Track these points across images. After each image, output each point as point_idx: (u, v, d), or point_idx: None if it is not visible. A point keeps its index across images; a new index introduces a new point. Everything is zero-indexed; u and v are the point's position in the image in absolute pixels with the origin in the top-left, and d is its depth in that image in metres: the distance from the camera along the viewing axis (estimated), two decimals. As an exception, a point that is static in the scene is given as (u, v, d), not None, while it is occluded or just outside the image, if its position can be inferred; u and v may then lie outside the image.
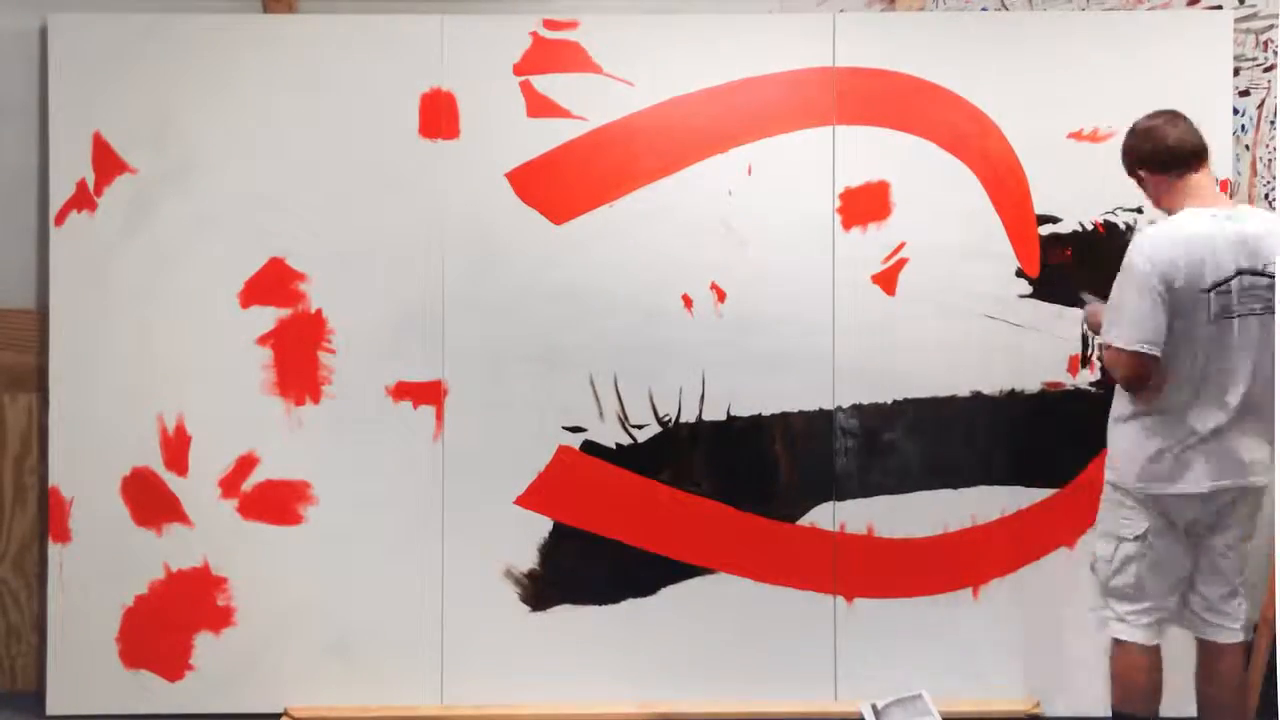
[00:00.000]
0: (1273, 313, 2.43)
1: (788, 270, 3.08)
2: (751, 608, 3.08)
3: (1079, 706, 3.09)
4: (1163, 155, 2.54)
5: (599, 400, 3.08)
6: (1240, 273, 2.42)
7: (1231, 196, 3.08)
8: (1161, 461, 2.49)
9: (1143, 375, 2.44)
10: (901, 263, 3.08)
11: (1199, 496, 2.48)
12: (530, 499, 3.08)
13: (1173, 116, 2.57)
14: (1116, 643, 2.60)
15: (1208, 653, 2.64)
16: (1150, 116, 2.60)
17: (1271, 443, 2.50)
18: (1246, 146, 3.21)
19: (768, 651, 3.08)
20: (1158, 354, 2.41)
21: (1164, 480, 2.49)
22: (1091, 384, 3.08)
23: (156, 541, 3.07)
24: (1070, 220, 3.08)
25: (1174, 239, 2.43)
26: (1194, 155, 2.52)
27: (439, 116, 3.07)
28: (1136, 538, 2.53)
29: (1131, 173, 2.64)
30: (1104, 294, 2.60)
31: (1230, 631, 2.61)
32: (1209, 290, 2.41)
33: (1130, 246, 2.50)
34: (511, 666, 3.07)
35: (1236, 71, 3.15)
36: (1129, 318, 2.43)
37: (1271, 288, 2.43)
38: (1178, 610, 2.62)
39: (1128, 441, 2.54)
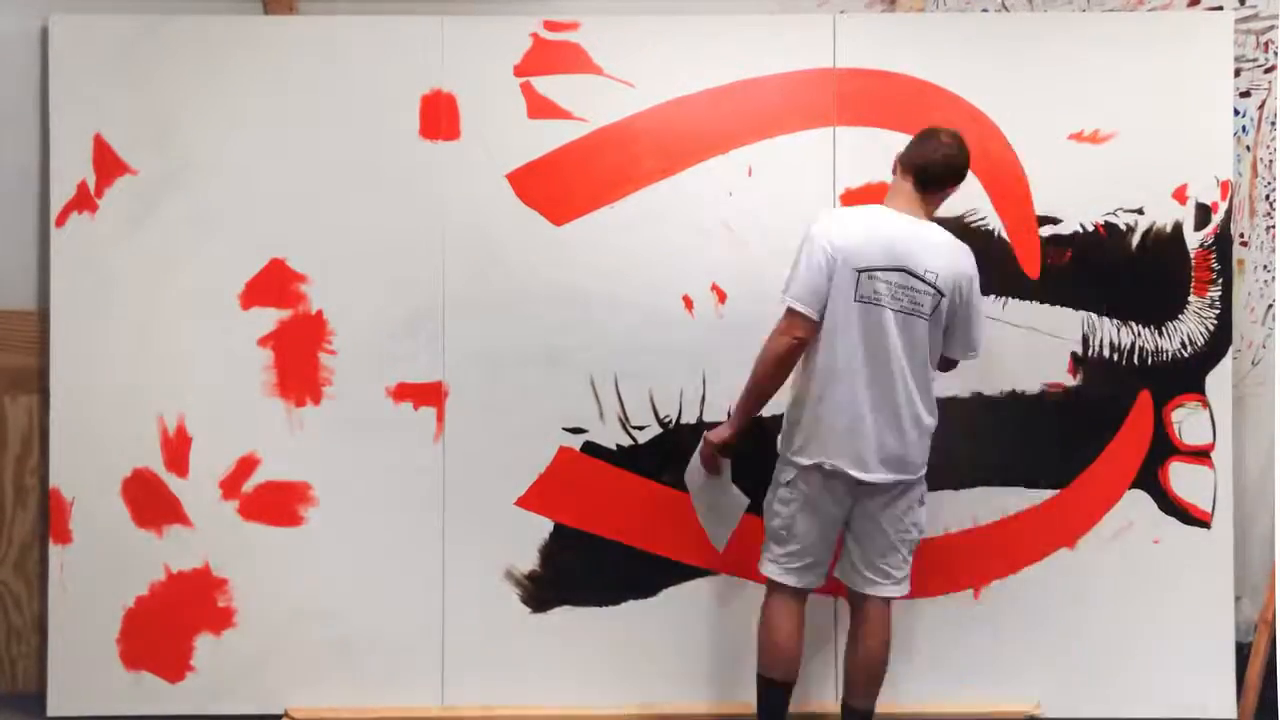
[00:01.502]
0: (923, 317, 2.56)
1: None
2: (752, 609, 3.06)
3: (1079, 708, 3.09)
4: (906, 156, 2.67)
5: (600, 401, 3.08)
6: (900, 269, 2.55)
7: (1232, 196, 3.09)
8: (803, 435, 2.63)
9: (799, 333, 2.59)
10: (902, 264, 3.08)
11: (836, 475, 2.60)
12: (531, 500, 3.08)
13: (949, 137, 2.65)
14: (768, 589, 2.73)
15: (856, 612, 2.75)
16: (936, 129, 2.69)
17: (920, 443, 2.63)
18: (1248, 147, 3.21)
19: (768, 652, 3.08)
20: (813, 316, 2.57)
21: (803, 454, 2.63)
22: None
23: (157, 543, 3.07)
24: (1071, 221, 3.08)
25: (849, 219, 2.63)
26: (921, 171, 2.63)
27: (439, 118, 3.07)
28: (788, 483, 2.67)
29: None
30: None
31: (879, 586, 2.69)
32: (861, 271, 2.55)
33: (812, 221, 2.65)
34: (512, 668, 3.07)
35: (1237, 72, 3.15)
36: (798, 279, 2.59)
37: (929, 294, 2.56)
38: (844, 565, 2.75)
39: (788, 411, 2.70)
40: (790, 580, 2.69)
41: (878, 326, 2.56)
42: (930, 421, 2.64)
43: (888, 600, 2.71)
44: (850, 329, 2.56)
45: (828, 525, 2.67)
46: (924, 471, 2.68)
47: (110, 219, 3.07)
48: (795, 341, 2.59)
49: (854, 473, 2.58)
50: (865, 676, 2.72)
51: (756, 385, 2.67)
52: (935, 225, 2.65)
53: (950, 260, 2.59)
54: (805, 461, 2.63)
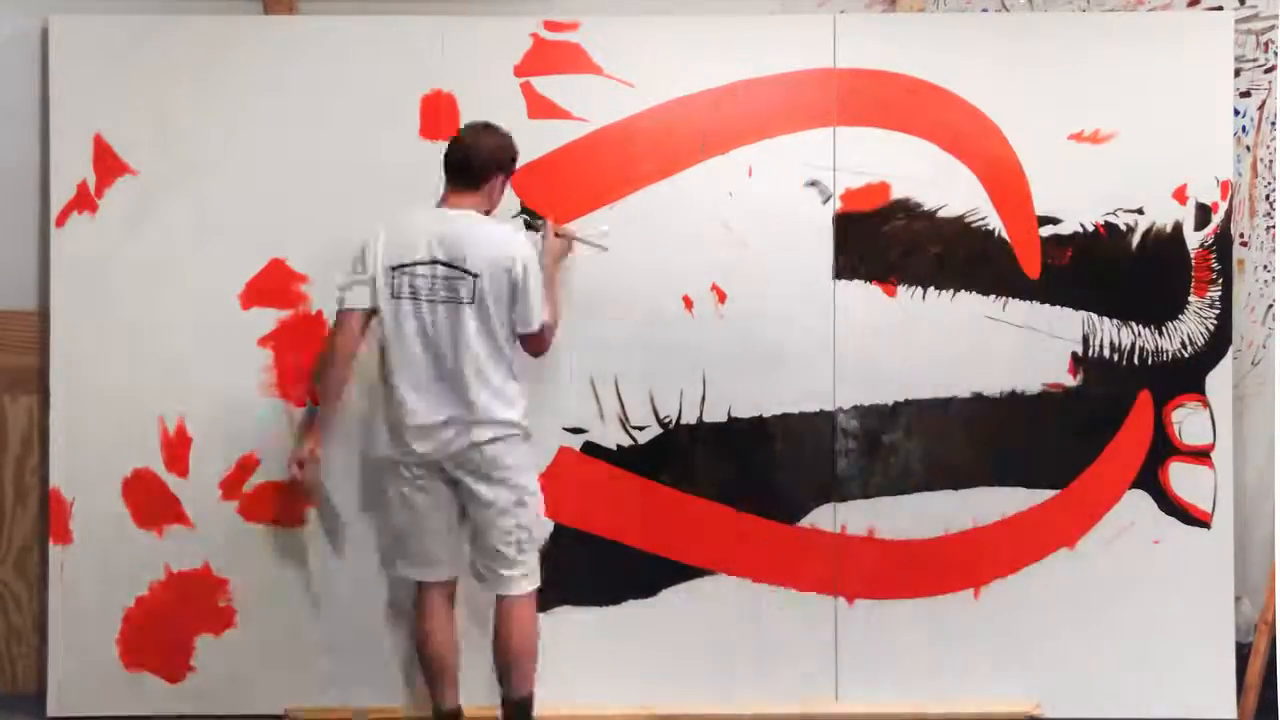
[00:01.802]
0: (464, 303, 2.65)
1: (788, 271, 3.08)
2: (752, 609, 3.08)
3: (1079, 708, 3.09)
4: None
5: (600, 401, 3.08)
6: (435, 262, 2.65)
7: (1232, 197, 3.09)
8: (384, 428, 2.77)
9: (336, 330, 2.74)
10: (902, 264, 3.09)
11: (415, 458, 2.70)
12: (531, 500, 3.07)
13: (468, 132, 2.79)
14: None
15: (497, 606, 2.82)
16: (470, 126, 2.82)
17: (488, 417, 2.68)
18: (1248, 148, 3.21)
19: (768, 652, 3.08)
20: (350, 308, 2.71)
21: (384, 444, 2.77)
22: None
23: (157, 543, 3.07)
24: (1071, 221, 3.08)
25: (391, 225, 2.72)
26: (454, 169, 2.74)
27: (440, 118, 3.07)
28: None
29: None
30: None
31: (505, 583, 2.78)
32: (395, 269, 2.67)
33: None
34: (512, 667, 3.07)
35: (1237, 72, 3.15)
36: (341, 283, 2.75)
37: (463, 280, 2.65)
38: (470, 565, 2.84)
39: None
40: (423, 577, 2.79)
41: (421, 320, 2.66)
42: (484, 401, 2.67)
43: (518, 597, 2.79)
44: (409, 328, 2.66)
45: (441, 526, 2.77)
46: (511, 452, 2.72)
47: (110, 219, 3.07)
48: (333, 334, 2.75)
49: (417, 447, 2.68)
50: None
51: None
52: (477, 216, 2.72)
53: (488, 247, 2.66)
54: (385, 454, 2.77)
